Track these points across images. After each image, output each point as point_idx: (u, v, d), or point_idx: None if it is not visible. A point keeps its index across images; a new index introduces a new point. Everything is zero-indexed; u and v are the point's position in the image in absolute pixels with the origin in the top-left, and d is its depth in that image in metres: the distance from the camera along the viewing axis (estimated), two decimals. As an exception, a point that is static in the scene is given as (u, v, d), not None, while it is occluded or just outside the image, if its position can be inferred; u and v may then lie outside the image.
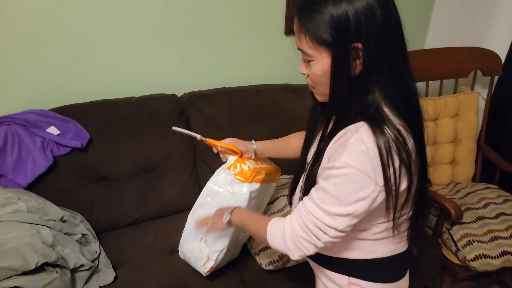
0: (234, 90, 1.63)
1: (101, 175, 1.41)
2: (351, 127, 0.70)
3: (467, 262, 1.40)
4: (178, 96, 1.59)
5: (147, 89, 1.57)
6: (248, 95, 1.63)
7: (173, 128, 1.10)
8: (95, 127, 1.40)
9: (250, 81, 1.71)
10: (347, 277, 0.85)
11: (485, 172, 1.86)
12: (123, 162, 1.43)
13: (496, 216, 1.53)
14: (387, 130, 0.67)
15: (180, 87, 1.62)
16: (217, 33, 1.64)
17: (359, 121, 0.70)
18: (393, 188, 0.69)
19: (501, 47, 1.81)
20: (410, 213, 0.81)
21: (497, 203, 1.59)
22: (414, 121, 0.72)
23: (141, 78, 1.59)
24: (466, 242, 1.42)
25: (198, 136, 1.09)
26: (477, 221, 1.50)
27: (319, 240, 0.74)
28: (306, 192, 0.81)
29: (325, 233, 0.73)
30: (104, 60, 1.50)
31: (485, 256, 1.39)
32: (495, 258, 1.40)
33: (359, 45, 0.66)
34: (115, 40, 1.48)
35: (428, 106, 1.72)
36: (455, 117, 1.78)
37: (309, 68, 0.74)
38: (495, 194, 1.64)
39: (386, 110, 0.70)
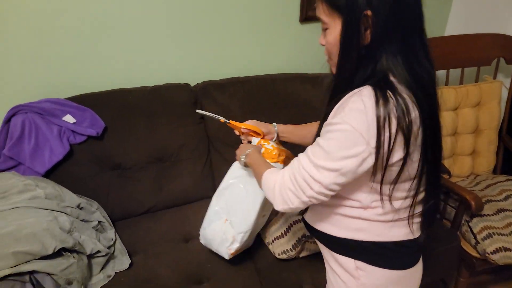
0: (248, 79, 1.62)
1: (116, 164, 1.42)
2: (355, 90, 0.70)
3: (487, 255, 1.37)
4: (192, 85, 1.58)
5: (161, 79, 1.57)
6: (263, 84, 1.61)
7: (197, 110, 1.14)
8: (110, 116, 1.41)
9: (264, 70, 1.69)
10: (353, 260, 0.84)
11: (507, 163, 1.80)
12: (138, 151, 1.44)
13: (518, 209, 1.48)
14: (390, 94, 0.66)
15: (193, 77, 1.61)
16: (231, 22, 1.62)
17: (365, 85, 0.70)
18: (385, 154, 0.68)
19: (526, 34, 1.74)
20: (420, 196, 0.79)
21: (519, 196, 1.54)
22: (425, 96, 0.70)
23: (155, 67, 1.58)
24: (486, 234, 1.39)
25: (222, 119, 1.12)
26: (498, 214, 1.46)
27: (304, 193, 0.74)
28: None
29: (310, 187, 0.73)
30: (118, 50, 1.50)
31: (506, 249, 1.36)
32: (516, 252, 1.36)
33: (369, 13, 0.67)
34: (130, 30, 1.48)
35: (449, 95, 1.67)
36: (476, 107, 1.73)
37: (326, 37, 0.76)
38: (517, 187, 1.59)
39: (393, 80, 0.69)
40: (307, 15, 1.68)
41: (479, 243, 1.40)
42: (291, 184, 0.76)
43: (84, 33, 1.42)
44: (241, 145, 1.09)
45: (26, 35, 1.35)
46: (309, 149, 0.76)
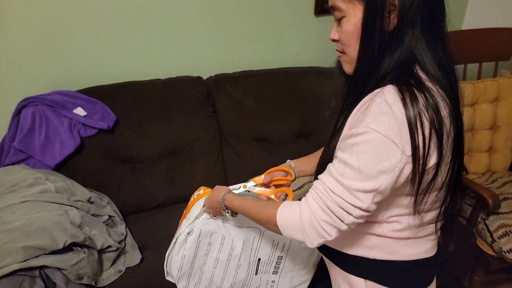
0: (262, 73, 1.59)
1: (127, 157, 1.40)
2: (377, 90, 0.63)
3: (503, 253, 1.34)
4: (204, 78, 1.56)
5: (172, 72, 1.54)
6: (277, 78, 1.58)
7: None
8: (122, 108, 1.39)
9: (278, 63, 1.66)
10: (364, 280, 0.76)
11: (524, 161, 1.76)
12: (150, 144, 1.42)
13: (536, 207, 1.45)
14: (418, 92, 0.59)
15: (206, 70, 1.59)
16: (245, 14, 1.59)
17: (387, 84, 0.63)
18: (421, 160, 0.60)
19: (546, 27, 1.69)
20: (441, 207, 0.72)
21: (537, 194, 1.51)
22: (453, 89, 0.64)
23: (166, 60, 1.56)
24: (503, 233, 1.36)
25: (244, 184, 0.98)
26: (515, 212, 1.43)
27: (343, 222, 0.65)
28: (321, 167, 0.73)
29: (348, 213, 0.64)
30: (130, 42, 1.48)
31: (523, 248, 1.33)
32: (533, 251, 1.33)
33: None
34: (141, 22, 1.46)
35: (466, 90, 1.63)
36: (494, 102, 1.69)
37: (340, 28, 0.69)
38: (534, 185, 1.56)
39: (421, 74, 0.63)
40: (322, 8, 1.64)
41: (495, 241, 1.37)
42: (325, 215, 0.65)
43: (95, 24, 1.40)
44: (207, 199, 0.95)
45: (37, 27, 1.33)
46: (332, 169, 0.66)
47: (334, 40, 0.73)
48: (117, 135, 1.37)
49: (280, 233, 0.73)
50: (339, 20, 0.69)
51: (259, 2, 1.58)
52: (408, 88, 0.60)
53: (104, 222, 1.19)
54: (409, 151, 0.60)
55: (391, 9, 0.62)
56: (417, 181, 0.63)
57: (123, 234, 1.22)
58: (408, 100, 0.59)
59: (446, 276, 1.47)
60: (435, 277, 0.82)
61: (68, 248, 1.02)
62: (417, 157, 0.60)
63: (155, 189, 1.42)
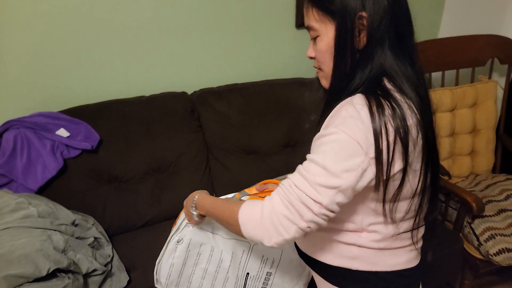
0: (246, 86, 1.60)
1: (113, 177, 1.39)
2: (347, 99, 0.66)
3: (490, 256, 1.36)
4: (189, 93, 1.56)
5: (156, 88, 1.54)
6: (261, 91, 1.60)
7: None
8: (106, 127, 1.38)
9: (262, 76, 1.68)
10: None
11: (506, 162, 1.81)
12: (135, 162, 1.41)
13: (519, 208, 1.48)
14: (384, 101, 0.63)
15: (190, 85, 1.59)
16: (226, 28, 1.60)
17: (357, 94, 0.66)
18: (385, 165, 0.63)
19: (519, 33, 1.75)
20: (415, 216, 0.74)
21: (519, 195, 1.54)
22: (422, 100, 0.66)
23: (150, 76, 1.56)
24: (489, 236, 1.38)
25: (238, 193, 1.01)
26: (499, 214, 1.46)
27: (302, 217, 0.64)
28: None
29: (309, 208, 0.64)
30: (112, 60, 1.47)
31: (509, 250, 1.35)
32: (519, 252, 1.35)
33: (364, 14, 0.64)
34: (122, 39, 1.45)
35: (445, 96, 1.67)
36: (473, 107, 1.73)
37: (315, 46, 0.72)
38: (516, 186, 1.59)
39: (389, 86, 0.66)
40: (303, 21, 1.66)
41: (482, 244, 1.39)
42: (285, 209, 0.65)
43: (75, 44, 1.39)
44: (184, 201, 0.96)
45: (17, 49, 1.32)
46: (300, 167, 0.68)
47: (311, 58, 0.76)
48: (101, 155, 1.36)
49: (241, 233, 0.72)
50: (314, 39, 0.72)
51: (241, 17, 1.60)
52: (375, 97, 0.63)
53: (89, 244, 1.17)
54: (372, 154, 0.62)
55: (361, 28, 0.66)
56: (383, 186, 0.66)
57: (109, 256, 1.20)
58: (374, 108, 0.62)
59: (438, 282, 1.48)
60: (420, 286, 0.83)
61: (52, 274, 0.99)
62: (381, 162, 0.63)
63: (141, 207, 1.40)
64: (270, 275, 1.05)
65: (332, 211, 0.65)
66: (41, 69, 1.38)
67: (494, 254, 1.35)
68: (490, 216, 1.45)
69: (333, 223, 0.75)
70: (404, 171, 0.65)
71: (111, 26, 1.42)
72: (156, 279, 1.04)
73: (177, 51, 1.56)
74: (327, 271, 0.80)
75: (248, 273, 1.03)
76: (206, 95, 1.54)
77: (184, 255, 0.99)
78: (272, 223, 0.67)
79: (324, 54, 0.71)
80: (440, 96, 1.66)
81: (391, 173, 0.64)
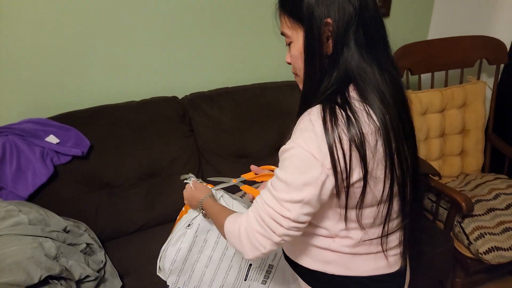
0: (237, 90, 1.60)
1: (104, 182, 1.38)
2: (308, 110, 0.68)
3: (480, 255, 1.38)
4: (180, 98, 1.56)
5: (147, 93, 1.54)
6: (253, 94, 1.60)
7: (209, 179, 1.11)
8: (96, 133, 1.37)
9: (253, 80, 1.68)
10: None
11: (494, 162, 1.83)
12: (127, 168, 1.40)
13: (507, 207, 1.50)
14: (339, 110, 0.64)
15: (181, 89, 1.59)
16: (217, 32, 1.60)
17: (317, 104, 0.67)
18: (343, 174, 0.64)
19: (506, 34, 1.77)
20: (395, 223, 0.75)
21: (508, 194, 1.57)
22: (384, 110, 0.66)
23: (140, 81, 1.55)
24: (478, 235, 1.40)
25: (234, 179, 1.04)
26: (488, 213, 1.48)
27: (274, 233, 0.68)
28: None
29: (279, 224, 0.67)
30: (101, 65, 1.46)
31: (498, 249, 1.37)
32: (508, 250, 1.38)
33: (329, 21, 0.66)
34: (112, 45, 1.45)
35: (435, 97, 1.69)
36: (462, 108, 1.75)
37: (290, 52, 0.75)
38: (505, 185, 1.62)
39: (352, 94, 0.67)
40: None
41: (472, 243, 1.40)
42: (258, 226, 0.69)
43: (64, 50, 1.39)
44: (188, 193, 1.00)
45: (4, 56, 1.31)
46: (268, 183, 0.71)
47: (288, 63, 0.78)
48: (92, 161, 1.35)
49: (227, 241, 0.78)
50: (289, 45, 0.74)
51: (231, 20, 1.60)
52: (331, 107, 0.64)
53: (81, 251, 1.16)
54: (328, 164, 0.63)
55: (328, 35, 0.67)
56: (345, 194, 0.67)
57: (102, 261, 1.20)
58: (328, 118, 0.63)
59: (429, 281, 1.50)
60: None
61: (44, 281, 0.99)
62: (338, 171, 0.64)
63: (134, 212, 1.40)
64: (271, 268, 1.06)
65: (301, 223, 0.68)
66: (30, 76, 1.37)
67: (483, 252, 1.37)
68: (480, 215, 1.47)
69: (309, 228, 0.77)
70: (365, 178, 0.66)
71: (100, 32, 1.41)
72: (159, 268, 1.05)
73: (167, 56, 1.56)
74: (307, 274, 0.82)
75: (251, 264, 1.05)
76: (197, 99, 1.54)
77: (191, 241, 1.02)
78: (249, 239, 0.71)
79: (296, 59, 0.73)
80: (430, 97, 1.68)
81: (351, 181, 0.66)
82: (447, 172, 1.78)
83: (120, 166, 1.39)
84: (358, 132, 0.63)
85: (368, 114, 0.65)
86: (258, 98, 1.60)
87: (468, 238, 1.42)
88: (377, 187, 0.69)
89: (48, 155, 1.27)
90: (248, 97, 1.59)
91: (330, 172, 0.64)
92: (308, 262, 0.80)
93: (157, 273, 1.07)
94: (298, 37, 0.71)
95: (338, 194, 0.67)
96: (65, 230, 1.17)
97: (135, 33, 1.47)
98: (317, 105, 0.66)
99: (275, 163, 1.53)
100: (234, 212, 0.81)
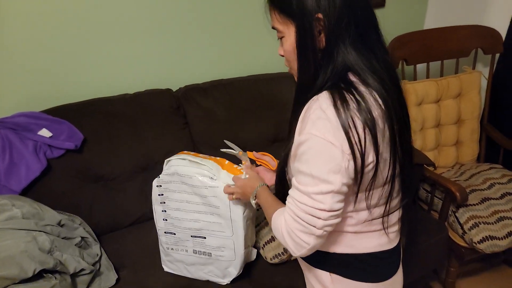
0: (231, 82, 1.59)
1: (99, 176, 1.38)
2: (314, 97, 0.68)
3: (474, 244, 1.39)
4: (174, 90, 1.55)
5: (141, 85, 1.53)
6: (247, 86, 1.59)
7: (225, 141, 1.13)
8: (90, 126, 1.37)
9: (247, 71, 1.67)
10: (329, 273, 0.82)
11: (489, 151, 1.84)
12: (121, 161, 1.40)
13: (502, 197, 1.51)
14: (348, 96, 0.65)
15: (175, 81, 1.58)
16: (210, 24, 1.59)
17: (323, 91, 0.68)
18: (359, 158, 0.65)
19: (501, 24, 1.76)
20: (395, 202, 0.77)
21: (502, 183, 1.57)
22: (388, 92, 0.68)
23: (134, 74, 1.54)
24: (472, 224, 1.41)
25: (240, 151, 1.08)
26: (483, 203, 1.49)
27: (315, 227, 0.68)
28: (279, 178, 0.80)
29: (317, 218, 0.68)
30: (95, 58, 1.45)
31: (492, 238, 1.38)
32: (502, 239, 1.39)
33: (320, 16, 0.66)
34: (105, 37, 1.43)
35: (430, 88, 1.69)
36: (457, 98, 1.75)
37: (282, 46, 0.75)
38: (499, 174, 1.63)
39: (353, 79, 0.68)
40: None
41: (466, 233, 1.41)
42: (297, 224, 0.70)
43: (57, 43, 1.37)
44: (241, 182, 0.98)
45: (-6, 47, 1.30)
46: (294, 180, 0.72)
47: (281, 55, 0.78)
48: (86, 154, 1.34)
49: None
50: (281, 39, 0.75)
51: (224, 12, 1.59)
52: (340, 92, 0.65)
53: (76, 244, 1.16)
54: (347, 150, 0.65)
55: (320, 29, 0.68)
56: (359, 178, 0.68)
57: (97, 255, 1.20)
58: (339, 103, 0.64)
59: (424, 270, 1.51)
60: (401, 268, 0.87)
61: (39, 275, 0.99)
62: (356, 155, 0.65)
63: (129, 205, 1.40)
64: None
65: (337, 210, 0.69)
66: (22, 69, 1.36)
67: (477, 242, 1.38)
68: (474, 205, 1.48)
69: None
70: (377, 161, 0.68)
71: (93, 24, 1.40)
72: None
73: (161, 48, 1.54)
74: (311, 256, 0.83)
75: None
76: (191, 91, 1.53)
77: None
78: (292, 239, 0.71)
79: (290, 54, 0.73)
80: (425, 88, 1.67)
81: (365, 164, 0.67)
82: (442, 162, 1.78)
83: (114, 159, 1.38)
84: (368, 115, 0.65)
85: (374, 98, 0.67)
86: (252, 89, 1.59)
87: (462, 228, 1.43)
88: (385, 169, 0.71)
89: (41, 149, 1.26)
90: (242, 88, 1.58)
91: (350, 157, 0.65)
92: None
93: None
94: (289, 32, 0.71)
95: (355, 178, 0.68)
96: (60, 224, 1.17)
97: (129, 26, 1.46)
98: (323, 93, 0.67)
99: (272, 154, 1.53)
100: (281, 205, 0.80)
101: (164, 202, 1.12)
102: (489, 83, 1.78)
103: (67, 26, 1.36)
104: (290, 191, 0.73)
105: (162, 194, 1.12)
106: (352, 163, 0.65)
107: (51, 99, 1.41)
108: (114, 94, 1.47)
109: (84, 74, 1.46)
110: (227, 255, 1.11)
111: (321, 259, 0.82)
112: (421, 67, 1.76)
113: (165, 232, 1.16)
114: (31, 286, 0.96)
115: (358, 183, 0.69)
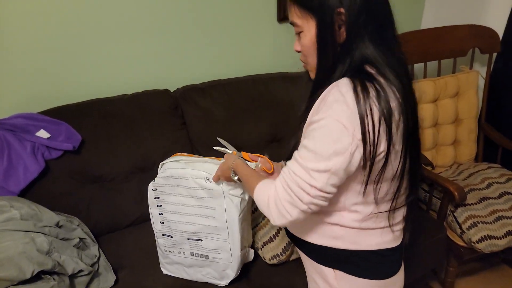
0: (229, 82, 1.59)
1: (96, 177, 1.38)
2: (334, 83, 0.69)
3: (473, 244, 1.39)
4: (172, 91, 1.55)
5: (138, 86, 1.53)
6: (245, 86, 1.59)
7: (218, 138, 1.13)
8: (88, 127, 1.36)
9: (245, 71, 1.67)
10: (332, 269, 0.83)
11: (487, 151, 1.84)
12: (119, 161, 1.40)
13: (500, 196, 1.51)
14: (369, 84, 0.66)
15: (173, 82, 1.58)
16: (208, 25, 1.59)
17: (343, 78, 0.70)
18: (371, 146, 0.66)
19: (499, 23, 1.77)
20: (393, 198, 0.78)
21: (500, 183, 1.58)
22: (403, 86, 0.70)
23: (132, 74, 1.54)
24: (471, 224, 1.41)
25: (234, 151, 1.07)
26: (481, 202, 1.49)
27: (301, 201, 0.70)
28: (290, 156, 0.80)
29: (306, 193, 0.69)
30: (92, 59, 1.45)
31: (490, 237, 1.38)
32: (501, 239, 1.39)
33: (342, 10, 0.67)
34: (103, 38, 1.43)
35: (428, 87, 1.69)
36: (455, 97, 1.75)
37: (300, 41, 0.76)
38: (498, 173, 1.63)
39: (372, 71, 0.69)
40: (285, 14, 1.67)
41: (464, 232, 1.41)
42: (286, 194, 0.72)
43: (55, 44, 1.37)
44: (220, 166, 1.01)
45: (-8, 48, 1.29)
46: (296, 153, 0.73)
47: (297, 51, 0.79)
48: (84, 155, 1.34)
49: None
50: (299, 34, 0.76)
51: (222, 12, 1.59)
52: (361, 80, 0.66)
53: (74, 245, 1.16)
54: (359, 135, 0.65)
55: (340, 24, 0.69)
56: (368, 167, 0.69)
57: (95, 256, 1.20)
58: (359, 90, 0.65)
59: (422, 270, 1.51)
60: (403, 267, 0.88)
61: (37, 277, 0.99)
62: (367, 142, 0.66)
63: (127, 206, 1.40)
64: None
65: (328, 193, 0.70)
66: (20, 70, 1.35)
67: (476, 241, 1.38)
68: (472, 204, 1.48)
69: None
70: (388, 151, 0.68)
71: (91, 25, 1.40)
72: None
73: (159, 48, 1.54)
74: (313, 250, 0.85)
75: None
76: (189, 92, 1.53)
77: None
78: (277, 207, 0.73)
79: (308, 49, 0.74)
80: (422, 87, 1.68)
81: (377, 153, 0.68)
82: (440, 162, 1.78)
83: (112, 160, 1.38)
84: (387, 105, 0.66)
85: (392, 91, 0.68)
86: (250, 89, 1.59)
87: (461, 227, 1.43)
88: (396, 161, 0.72)
89: (39, 150, 1.26)
90: (240, 88, 1.58)
91: (360, 143, 0.66)
92: (315, 238, 0.83)
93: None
94: (309, 27, 0.72)
95: (364, 167, 0.69)
96: (58, 225, 1.16)
97: (127, 27, 1.46)
98: (343, 79, 0.68)
99: (269, 154, 1.53)
100: (263, 178, 0.82)
101: (161, 205, 1.12)
102: (486, 82, 1.78)
103: (65, 27, 1.36)
104: (288, 163, 0.74)
105: (158, 197, 1.12)
106: (360, 149, 0.66)
107: (49, 100, 1.41)
108: (112, 94, 1.47)
109: (82, 74, 1.46)
110: (224, 257, 1.11)
111: (325, 255, 0.83)
112: (418, 66, 1.76)
113: (162, 235, 1.16)
114: (29, 288, 0.96)
115: (368, 171, 0.70)
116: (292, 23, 0.76)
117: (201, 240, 1.11)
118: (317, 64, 0.74)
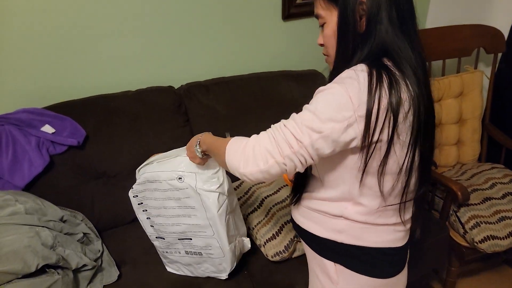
0: (233, 79, 1.60)
1: (100, 172, 1.38)
2: (350, 68, 0.71)
3: (475, 244, 1.38)
4: (175, 88, 1.55)
5: (143, 82, 1.53)
6: (248, 84, 1.60)
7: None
8: (92, 123, 1.37)
9: (249, 69, 1.67)
10: (333, 263, 0.83)
11: (491, 151, 1.83)
12: (123, 157, 1.40)
13: (503, 196, 1.51)
14: (384, 73, 0.67)
15: (177, 79, 1.58)
16: (213, 22, 1.59)
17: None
18: (371, 129, 0.66)
19: (504, 23, 1.76)
20: (402, 194, 0.77)
21: (504, 183, 1.57)
22: (419, 81, 0.69)
23: (136, 71, 1.55)
24: (474, 224, 1.41)
25: None
26: (484, 202, 1.48)
27: (280, 152, 0.69)
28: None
29: (290, 146, 0.68)
30: (97, 55, 1.46)
31: (493, 237, 1.38)
32: (504, 239, 1.38)
33: (364, 0, 0.69)
34: (108, 34, 1.44)
35: (431, 87, 1.68)
36: (459, 97, 1.75)
37: (323, 33, 0.78)
38: (501, 174, 1.62)
39: (388, 63, 0.70)
40: (289, 13, 1.67)
41: (467, 232, 1.41)
42: (268, 142, 0.70)
43: (61, 40, 1.38)
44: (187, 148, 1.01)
45: (0, 47, 1.30)
46: (294, 114, 0.73)
47: (321, 45, 0.81)
48: (88, 151, 1.35)
49: (224, 162, 0.77)
50: (322, 26, 0.78)
51: (227, 10, 1.59)
52: (377, 68, 0.67)
53: (78, 240, 1.17)
54: (360, 112, 0.66)
55: (362, 14, 0.71)
56: (366, 150, 0.69)
57: (99, 251, 1.21)
58: (374, 75, 0.66)
59: (424, 269, 1.51)
60: (406, 268, 0.87)
61: (41, 270, 1.00)
62: (369, 122, 0.66)
63: (131, 202, 1.40)
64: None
65: (309, 154, 0.69)
66: (25, 66, 1.36)
67: (479, 241, 1.38)
68: (476, 204, 1.47)
69: (323, 192, 0.80)
70: (391, 140, 0.68)
71: (96, 21, 1.40)
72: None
73: (163, 45, 1.55)
74: (316, 243, 0.85)
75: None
76: (193, 89, 1.53)
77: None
78: (254, 152, 0.71)
79: (329, 38, 0.76)
80: (432, 84, 1.67)
81: (379, 139, 0.68)
82: (443, 161, 1.78)
83: (116, 155, 1.39)
84: (397, 94, 0.66)
85: (405, 84, 0.69)
86: (253, 87, 1.59)
87: (463, 227, 1.43)
88: (402, 153, 0.71)
89: (44, 145, 1.27)
90: (244, 86, 1.58)
91: (360, 120, 0.66)
92: (319, 230, 0.84)
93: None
94: (332, 17, 0.74)
95: (361, 149, 0.69)
96: (62, 220, 1.17)
97: (132, 23, 1.46)
98: (360, 64, 0.69)
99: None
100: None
101: (146, 210, 1.12)
102: (491, 82, 1.77)
103: (70, 23, 1.37)
104: (282, 120, 0.74)
105: (142, 203, 1.11)
106: (356, 127, 0.66)
107: (53, 96, 1.42)
108: (117, 91, 1.48)
109: (86, 71, 1.46)
110: (216, 253, 1.10)
111: (328, 248, 0.83)
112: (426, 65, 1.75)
113: (156, 237, 1.16)
114: (34, 281, 0.97)
115: (365, 157, 0.70)
116: (317, 16, 0.78)
117: (191, 239, 1.10)
118: (336, 52, 0.75)
